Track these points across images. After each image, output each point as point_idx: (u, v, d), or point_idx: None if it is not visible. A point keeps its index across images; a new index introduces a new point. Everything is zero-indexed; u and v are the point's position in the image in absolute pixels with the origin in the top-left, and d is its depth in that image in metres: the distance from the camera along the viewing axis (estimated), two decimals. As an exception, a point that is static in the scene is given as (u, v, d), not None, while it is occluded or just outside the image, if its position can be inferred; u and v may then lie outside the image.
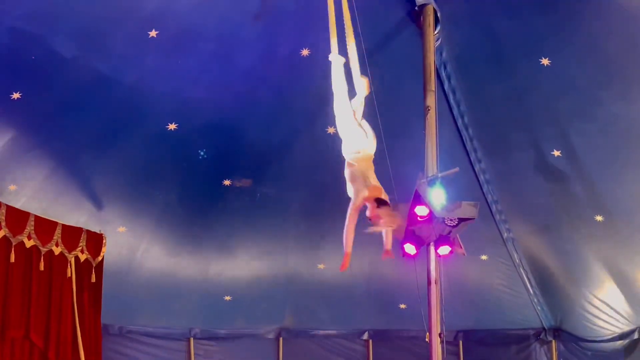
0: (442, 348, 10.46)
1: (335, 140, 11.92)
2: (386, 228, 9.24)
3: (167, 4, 10.79)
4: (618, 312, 14.03)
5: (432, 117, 10.96)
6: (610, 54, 10.97)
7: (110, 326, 14.28)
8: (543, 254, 14.20)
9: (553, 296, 14.84)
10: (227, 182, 13.51)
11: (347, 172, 9.31)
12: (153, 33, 11.04)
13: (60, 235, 11.92)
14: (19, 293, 11.30)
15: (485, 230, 13.82)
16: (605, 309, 14.14)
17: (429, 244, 10.51)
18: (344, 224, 13.54)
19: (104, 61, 11.22)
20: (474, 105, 12.49)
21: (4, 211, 11.11)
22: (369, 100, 11.11)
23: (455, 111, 12.56)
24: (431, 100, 11.03)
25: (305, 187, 13.80)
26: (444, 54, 11.92)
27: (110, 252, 12.99)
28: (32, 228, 11.50)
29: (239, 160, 13.29)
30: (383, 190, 9.22)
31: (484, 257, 14.49)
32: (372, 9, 11.11)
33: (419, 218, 10.24)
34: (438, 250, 10.38)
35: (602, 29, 10.79)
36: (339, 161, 11.79)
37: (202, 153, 12.70)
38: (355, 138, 9.22)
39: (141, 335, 14.92)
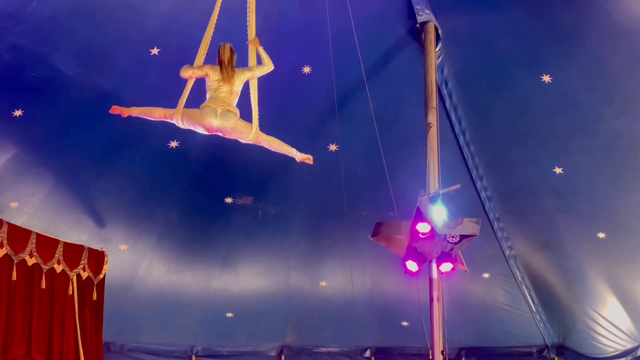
0: (445, 365, 10.45)
1: (337, 157, 11.96)
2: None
3: (169, 22, 10.83)
4: (621, 329, 14.00)
5: (433, 134, 10.98)
6: (612, 70, 10.99)
7: (112, 344, 14.23)
8: (545, 271, 14.17)
9: (556, 313, 14.79)
10: (228, 200, 13.51)
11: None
12: (155, 51, 11.08)
13: (61, 253, 11.88)
14: (21, 311, 11.25)
15: (487, 248, 13.79)
16: (608, 326, 14.10)
17: (430, 261, 10.49)
18: (345, 242, 13.61)
19: (105, 78, 11.25)
20: (476, 122, 12.50)
21: (5, 229, 11.08)
22: (370, 117, 11.15)
23: (456, 128, 12.56)
24: (432, 118, 11.05)
25: (307, 204, 13.79)
26: (445, 71, 11.94)
27: (111, 269, 12.95)
28: (34, 246, 11.47)
29: (240, 177, 13.29)
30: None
31: (486, 275, 14.44)
32: (373, 26, 11.16)
33: (420, 235, 10.24)
34: (440, 267, 10.36)
35: (604, 45, 10.82)
36: (341, 179, 11.83)
37: None
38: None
39: (143, 352, 14.86)
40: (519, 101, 11.96)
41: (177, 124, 8.61)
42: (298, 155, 9.18)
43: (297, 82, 11.87)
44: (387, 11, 11.42)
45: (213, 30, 8.76)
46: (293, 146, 9.09)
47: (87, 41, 10.72)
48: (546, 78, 11.38)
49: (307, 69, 11.80)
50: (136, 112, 8.64)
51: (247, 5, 8.84)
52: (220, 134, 8.59)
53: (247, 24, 8.86)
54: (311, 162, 9.31)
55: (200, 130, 8.56)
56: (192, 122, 8.53)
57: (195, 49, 11.05)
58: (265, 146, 8.97)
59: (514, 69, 11.64)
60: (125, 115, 8.59)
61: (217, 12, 8.81)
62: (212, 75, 8.59)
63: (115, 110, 8.61)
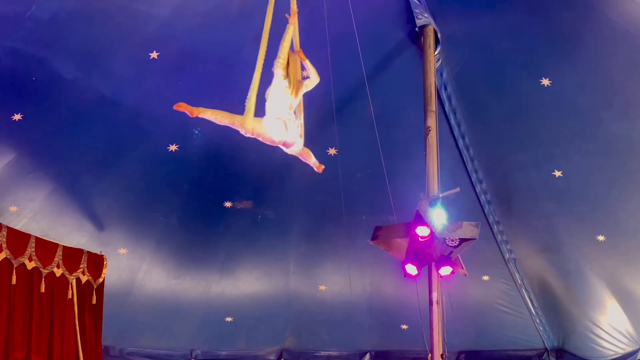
0: (445, 369, 10.44)
1: (336, 161, 11.94)
2: None
3: (168, 26, 10.82)
4: (621, 332, 13.99)
5: (432, 138, 10.98)
6: (611, 74, 11.00)
7: (111, 348, 14.23)
8: (545, 274, 14.16)
9: (555, 316, 14.78)
10: (228, 204, 13.50)
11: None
12: (154, 54, 11.07)
13: (61, 257, 11.88)
14: (20, 315, 11.24)
15: (487, 251, 13.79)
16: (608, 329, 14.09)
17: (430, 265, 10.48)
18: (344, 246, 13.61)
19: (105, 82, 11.24)
20: (475, 125, 12.50)
21: (5, 233, 11.07)
22: (369, 121, 11.15)
23: (456, 132, 12.56)
24: (432, 121, 11.05)
25: (306, 208, 13.78)
26: (444, 75, 11.94)
27: (111, 273, 12.94)
28: (33, 250, 11.46)
29: (239, 181, 13.28)
30: None
31: (485, 278, 14.44)
32: (372, 29, 11.15)
33: (420, 238, 10.23)
34: (439, 271, 10.34)
35: (603, 49, 10.83)
36: (340, 183, 11.79)
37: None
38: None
39: (142, 357, 14.85)
40: (518, 104, 11.96)
41: (243, 133, 8.25)
42: (317, 165, 9.08)
43: (295, 85, 11.86)
44: (386, 15, 11.42)
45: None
46: (291, 149, 9.08)
47: (86, 45, 10.71)
48: (545, 81, 11.38)
49: (305, 73, 11.78)
50: (205, 114, 8.15)
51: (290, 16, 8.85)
52: (283, 147, 8.45)
53: (292, 35, 8.85)
54: (320, 172, 9.19)
55: (268, 141, 8.31)
56: (262, 133, 8.22)
57: (195, 51, 11.09)
58: (302, 157, 8.89)
59: (513, 72, 11.65)
60: (193, 115, 8.08)
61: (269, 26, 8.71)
62: (282, 83, 8.44)
63: (181, 107, 8.06)
